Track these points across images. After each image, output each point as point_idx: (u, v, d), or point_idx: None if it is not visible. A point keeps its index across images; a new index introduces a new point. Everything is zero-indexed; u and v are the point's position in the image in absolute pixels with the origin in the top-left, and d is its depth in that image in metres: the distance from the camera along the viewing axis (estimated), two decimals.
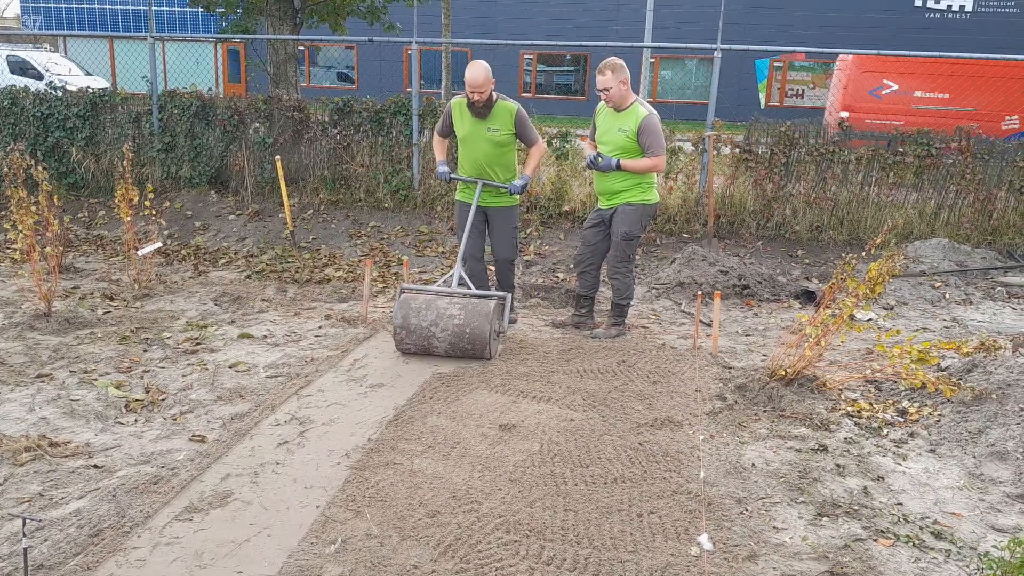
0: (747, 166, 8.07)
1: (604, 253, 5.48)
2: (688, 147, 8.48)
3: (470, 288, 5.20)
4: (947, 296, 6.71)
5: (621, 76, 5.06)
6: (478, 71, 4.97)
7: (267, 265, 7.20)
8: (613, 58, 5.11)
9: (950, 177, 7.90)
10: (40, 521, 2.94)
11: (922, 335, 5.61)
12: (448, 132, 5.42)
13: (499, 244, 5.44)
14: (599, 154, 5.18)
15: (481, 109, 5.09)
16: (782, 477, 3.50)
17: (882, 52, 8.21)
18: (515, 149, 5.36)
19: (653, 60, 22.33)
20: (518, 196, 5.36)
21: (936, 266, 7.13)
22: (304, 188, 8.67)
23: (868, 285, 4.22)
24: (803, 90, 24.33)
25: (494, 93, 5.13)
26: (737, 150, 8.16)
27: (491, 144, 5.19)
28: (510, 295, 5.21)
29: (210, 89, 9.21)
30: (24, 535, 2.56)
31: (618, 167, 5.11)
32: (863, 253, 4.99)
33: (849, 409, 4.28)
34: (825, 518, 3.17)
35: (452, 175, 5.31)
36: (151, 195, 6.84)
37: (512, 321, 5.32)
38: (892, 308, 6.45)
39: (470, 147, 5.24)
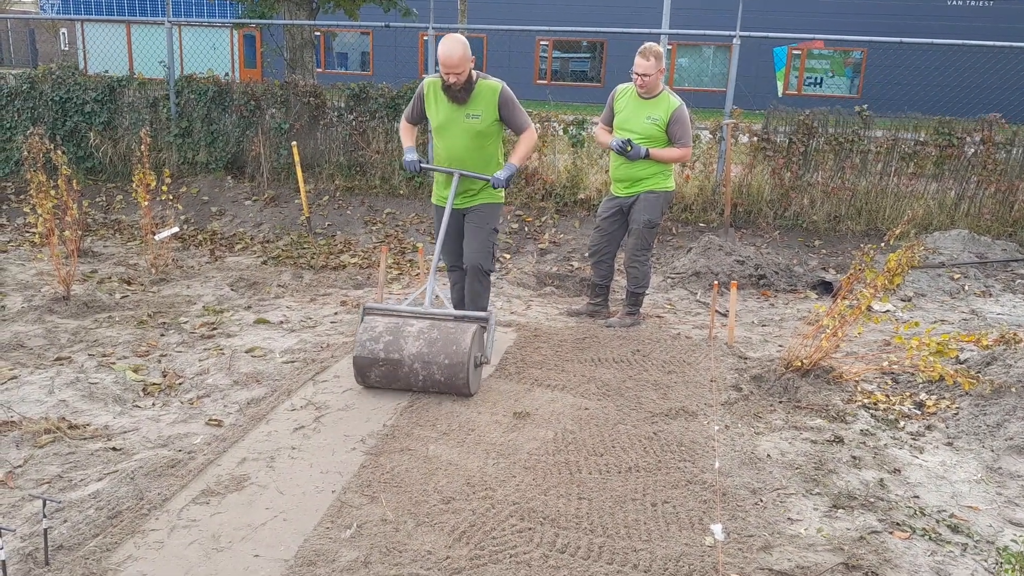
0: (765, 155, 8.00)
1: (620, 241, 5.45)
2: (706, 135, 8.42)
3: (446, 307, 4.61)
4: (966, 288, 6.64)
5: (662, 64, 5.02)
6: (453, 47, 4.15)
7: (283, 251, 7.23)
8: (655, 44, 5.05)
9: (971, 167, 7.80)
10: (60, 502, 2.97)
11: (940, 327, 5.55)
12: (419, 118, 4.62)
13: (471, 248, 4.57)
14: (629, 140, 5.10)
15: (459, 93, 4.30)
16: (797, 468, 3.49)
17: (903, 40, 8.09)
18: (501, 139, 4.62)
19: (670, 47, 22.15)
20: (502, 192, 4.63)
21: (955, 258, 7.06)
22: (320, 174, 8.69)
23: (886, 276, 4.18)
24: (822, 79, 24.06)
25: (474, 72, 4.33)
26: (755, 138, 8.09)
27: (471, 134, 4.41)
28: (494, 314, 4.44)
29: (226, 74, 9.22)
30: (44, 516, 2.59)
31: (647, 156, 5.06)
32: (881, 244, 4.95)
33: (866, 401, 4.25)
34: (840, 510, 3.16)
35: (423, 163, 4.55)
36: (168, 180, 6.88)
37: (484, 362, 4.22)
38: (910, 300, 6.39)
39: (446, 137, 4.46)
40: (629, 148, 5.04)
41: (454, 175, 4.44)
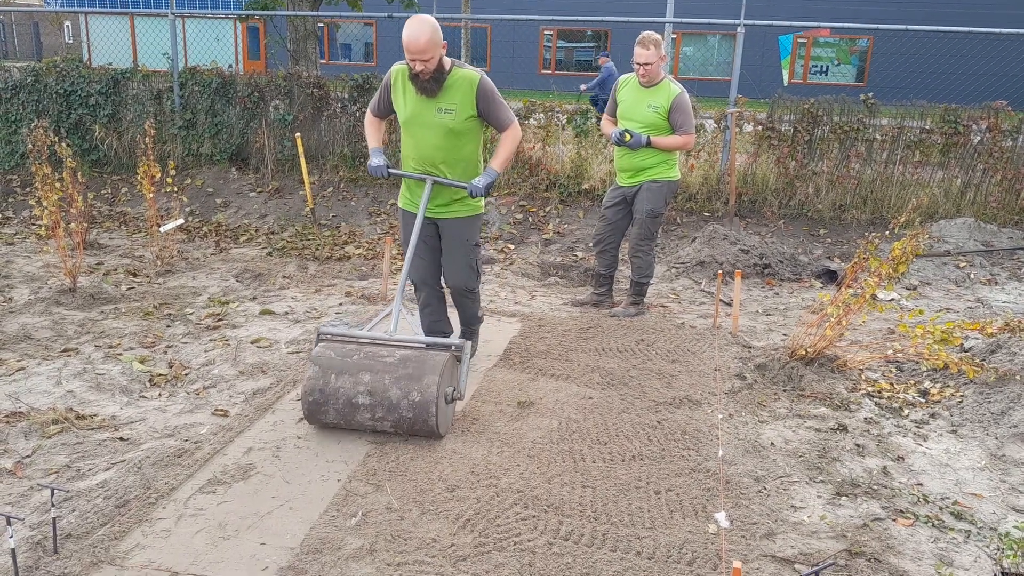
0: (770, 144, 7.98)
1: (624, 231, 5.45)
2: (710, 124, 8.39)
3: (414, 333, 4.13)
4: (972, 276, 6.62)
5: (662, 51, 5.00)
6: (419, 29, 3.55)
7: (288, 242, 7.25)
8: (652, 32, 5.03)
9: (977, 155, 7.77)
10: (68, 492, 3.00)
11: (945, 315, 5.54)
12: (387, 111, 4.06)
13: (451, 267, 4.12)
14: (627, 130, 5.10)
15: (428, 83, 3.70)
16: (801, 456, 3.49)
17: (909, 28, 8.03)
18: (479, 138, 4.01)
19: (675, 36, 22.04)
20: (481, 200, 4.07)
21: (961, 246, 7.03)
22: (324, 166, 8.69)
23: (891, 264, 4.17)
24: (827, 67, 23.93)
25: (447, 60, 3.76)
26: (760, 127, 8.07)
27: (443, 131, 3.81)
28: (469, 343, 3.80)
29: (230, 66, 9.21)
30: (53, 505, 2.62)
31: (648, 144, 5.05)
32: (886, 232, 4.93)
33: (870, 389, 4.25)
34: (844, 497, 3.17)
35: (391, 169, 3.98)
36: (173, 172, 6.89)
37: (458, 397, 3.62)
38: (915, 288, 6.38)
39: (415, 135, 3.88)
40: (628, 137, 5.03)
41: (427, 182, 3.89)
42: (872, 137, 7.81)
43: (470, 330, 4.50)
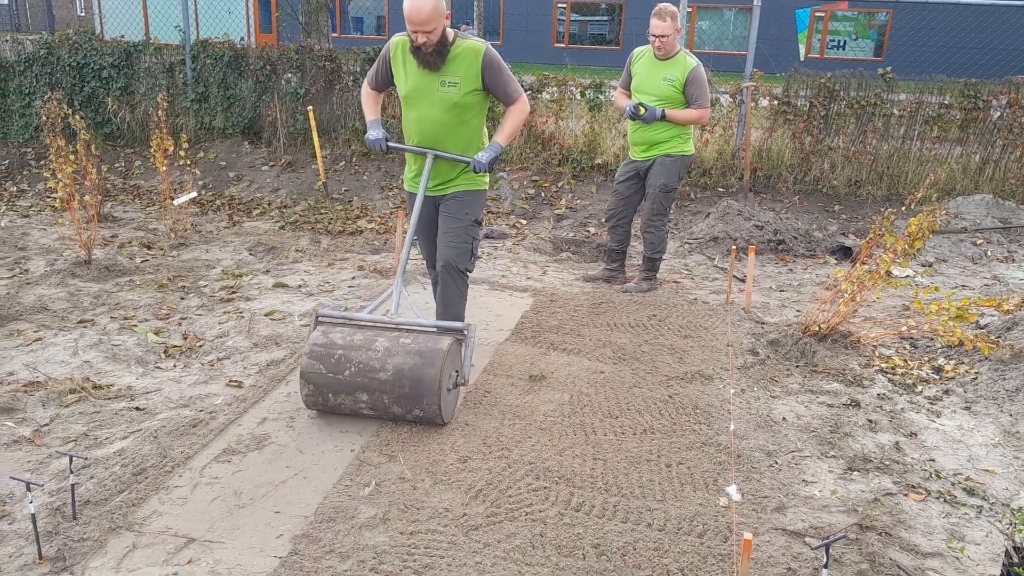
0: (785, 119, 7.89)
1: (637, 206, 5.42)
2: (726, 99, 8.30)
3: (416, 316, 3.85)
4: (989, 253, 6.56)
5: (678, 24, 4.95)
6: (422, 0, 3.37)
7: (300, 216, 7.26)
8: (669, 4, 4.97)
9: (997, 131, 7.65)
10: (86, 459, 3.04)
11: (961, 292, 5.50)
12: (385, 83, 3.85)
13: (444, 241, 3.82)
14: (641, 103, 5.05)
15: (431, 57, 3.52)
16: (813, 431, 3.49)
17: (929, 0, 7.90)
18: (484, 113, 3.82)
19: (690, 10, 21.76)
20: (486, 177, 3.88)
21: (978, 223, 6.96)
22: (336, 139, 8.67)
23: (907, 240, 4.13)
24: (845, 41, 23.57)
25: (450, 31, 3.56)
26: (775, 102, 7.98)
27: (447, 106, 3.62)
28: (474, 325, 3.65)
29: (242, 39, 9.17)
30: (71, 472, 2.66)
31: (663, 118, 5.01)
32: (902, 208, 4.88)
33: (883, 365, 4.24)
34: (855, 472, 3.17)
35: (391, 143, 3.79)
36: (186, 145, 6.90)
37: (462, 383, 3.52)
38: (931, 265, 6.33)
39: (417, 110, 3.68)
40: (642, 111, 4.99)
41: (427, 156, 3.71)
42: (890, 112, 7.70)
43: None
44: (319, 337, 3.42)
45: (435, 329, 3.51)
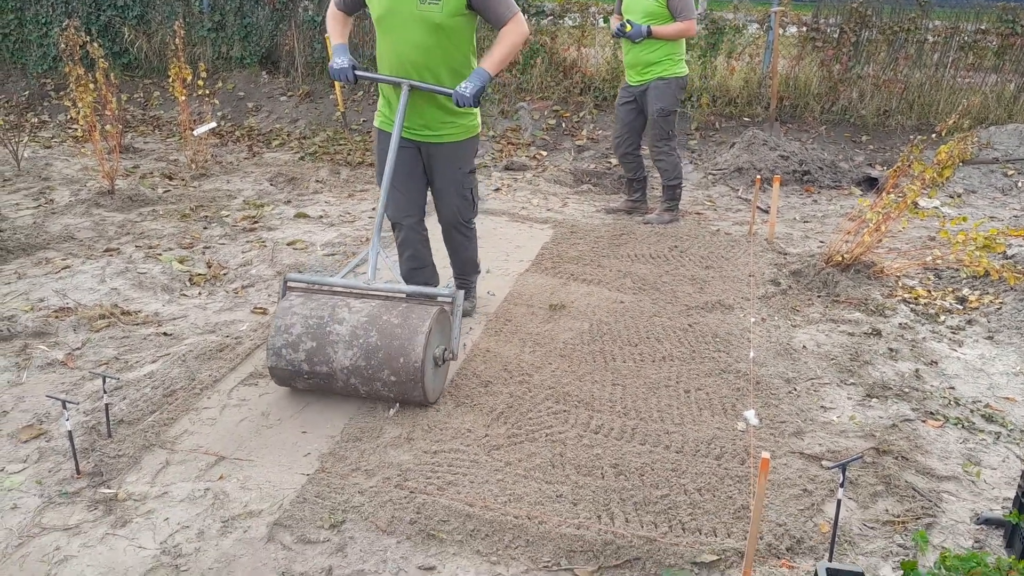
0: (814, 46, 7.66)
1: (640, 132, 5.37)
2: (753, 26, 8.06)
3: (398, 282, 3.39)
4: (1020, 185, 6.42)
5: None
6: None
7: (320, 147, 7.23)
8: None
9: None
10: (118, 379, 3.13)
11: (989, 224, 5.41)
12: (353, 5, 3.34)
13: (443, 201, 3.49)
14: (628, 20, 4.99)
15: None
16: (833, 359, 3.50)
17: None
18: (473, 39, 3.27)
19: None
20: (477, 119, 3.42)
21: (1011, 153, 6.79)
22: None
23: (936, 169, 4.05)
24: None
25: None
26: (804, 29, 7.74)
27: (427, 28, 3.09)
28: (461, 292, 3.12)
29: None
30: (105, 392, 2.73)
31: (649, 34, 4.95)
32: (932, 136, 4.77)
33: (906, 296, 4.21)
34: (874, 399, 3.19)
35: (358, 70, 3.23)
36: (204, 75, 6.85)
37: (450, 358, 3.09)
38: (959, 196, 6.21)
39: (393, 33, 3.16)
40: (629, 27, 4.95)
41: (403, 87, 3.18)
42: (924, 39, 7.45)
43: (465, 281, 3.81)
44: (283, 320, 2.94)
45: (418, 299, 3.06)
